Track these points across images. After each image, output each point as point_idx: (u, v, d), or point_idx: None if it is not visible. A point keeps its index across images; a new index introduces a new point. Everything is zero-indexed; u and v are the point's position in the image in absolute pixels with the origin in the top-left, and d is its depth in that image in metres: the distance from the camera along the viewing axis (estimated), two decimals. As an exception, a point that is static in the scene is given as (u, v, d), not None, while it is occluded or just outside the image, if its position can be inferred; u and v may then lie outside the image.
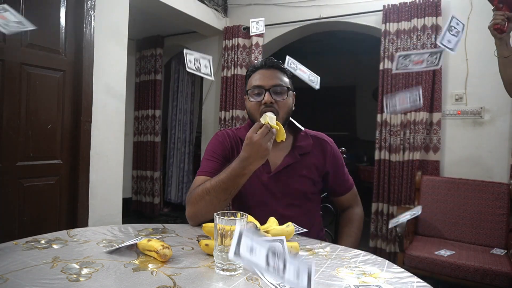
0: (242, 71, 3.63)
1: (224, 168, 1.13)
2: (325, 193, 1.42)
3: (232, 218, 0.78)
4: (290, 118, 1.27)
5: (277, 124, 1.01)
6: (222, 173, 1.07)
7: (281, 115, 1.17)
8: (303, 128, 1.29)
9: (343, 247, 1.00)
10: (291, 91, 1.23)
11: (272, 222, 1.03)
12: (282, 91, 1.18)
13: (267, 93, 1.16)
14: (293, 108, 1.26)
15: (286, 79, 1.22)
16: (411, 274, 0.79)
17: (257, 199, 1.22)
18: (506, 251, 2.28)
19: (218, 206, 1.04)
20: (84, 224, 2.27)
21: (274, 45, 3.78)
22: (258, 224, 0.91)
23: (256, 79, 1.20)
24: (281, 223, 1.03)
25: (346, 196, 1.35)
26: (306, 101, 5.47)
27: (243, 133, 1.24)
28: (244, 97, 1.25)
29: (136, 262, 0.80)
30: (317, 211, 1.34)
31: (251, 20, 1.77)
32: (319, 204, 1.36)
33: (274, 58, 1.25)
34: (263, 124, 0.99)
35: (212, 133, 3.98)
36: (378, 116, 3.04)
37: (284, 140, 1.05)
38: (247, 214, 0.81)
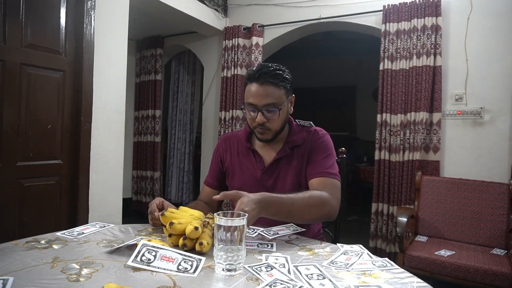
0: (242, 71, 3.63)
1: (219, 177, 1.37)
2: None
3: (231, 218, 0.78)
4: (297, 120, 1.33)
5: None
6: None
7: (273, 130, 1.21)
8: (313, 124, 1.33)
9: (343, 247, 0.98)
10: (285, 105, 1.20)
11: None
12: (274, 110, 1.18)
13: (259, 114, 1.17)
14: (291, 112, 1.28)
15: (280, 92, 1.18)
16: (411, 274, 0.79)
17: None
18: (506, 251, 2.28)
19: None
20: (84, 224, 2.27)
21: (274, 45, 3.78)
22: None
23: (250, 96, 1.18)
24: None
25: (312, 181, 1.20)
26: (306, 101, 5.50)
27: (242, 133, 1.35)
28: (242, 106, 1.26)
29: (136, 262, 0.80)
30: None
31: None
32: None
33: (270, 64, 1.20)
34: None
35: (212, 133, 3.98)
36: (378, 116, 3.04)
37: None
38: (246, 214, 0.82)
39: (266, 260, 0.83)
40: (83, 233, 1.02)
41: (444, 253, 2.21)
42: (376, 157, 3.05)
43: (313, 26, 3.48)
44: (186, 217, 0.94)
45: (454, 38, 2.82)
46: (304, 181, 1.25)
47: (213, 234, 0.85)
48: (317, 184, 1.19)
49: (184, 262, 0.78)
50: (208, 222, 0.92)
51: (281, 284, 0.69)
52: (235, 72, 3.63)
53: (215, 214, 0.79)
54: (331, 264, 0.84)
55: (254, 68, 1.20)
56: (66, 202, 2.26)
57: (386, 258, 0.88)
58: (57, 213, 2.22)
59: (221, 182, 1.37)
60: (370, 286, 0.72)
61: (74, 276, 0.71)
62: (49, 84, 2.14)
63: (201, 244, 0.85)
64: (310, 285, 0.71)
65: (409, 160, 2.87)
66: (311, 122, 1.34)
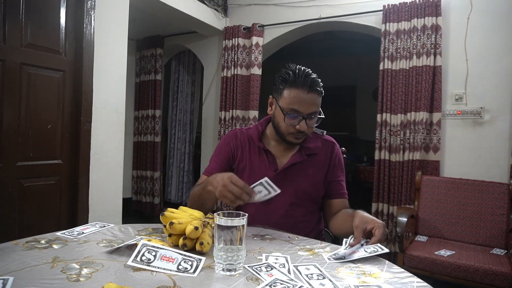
0: (242, 71, 3.63)
1: (225, 170, 1.27)
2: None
3: (231, 218, 0.78)
4: None
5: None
6: (200, 184, 1.17)
7: (306, 135, 1.22)
8: (324, 132, 1.34)
9: (342, 247, 0.98)
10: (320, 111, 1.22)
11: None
12: (315, 117, 1.18)
13: (303, 121, 1.15)
14: None
15: (320, 99, 1.19)
16: (411, 274, 0.79)
17: None
18: (506, 251, 2.28)
19: (203, 209, 1.07)
20: (84, 224, 2.27)
21: (274, 45, 3.78)
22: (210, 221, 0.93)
23: (295, 102, 1.14)
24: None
25: (338, 201, 1.30)
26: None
27: (253, 132, 1.31)
28: (271, 102, 1.24)
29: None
30: (319, 212, 1.34)
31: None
32: (321, 205, 1.35)
33: (309, 70, 1.18)
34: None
35: (212, 133, 3.98)
36: (378, 116, 3.04)
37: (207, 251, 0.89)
38: (246, 214, 0.81)
39: (266, 260, 0.83)
40: (83, 233, 1.02)
41: (444, 253, 2.21)
42: (376, 157, 3.05)
43: (313, 26, 3.48)
44: (186, 217, 0.94)
45: (454, 38, 2.82)
46: (316, 191, 1.27)
47: (213, 234, 0.85)
48: (343, 205, 1.29)
49: (184, 262, 0.78)
50: (208, 222, 0.92)
51: (281, 284, 0.69)
52: (235, 72, 3.63)
53: (215, 214, 0.79)
54: (333, 256, 0.89)
55: (294, 72, 1.15)
56: (66, 202, 2.26)
57: (378, 244, 0.92)
58: (57, 213, 2.22)
59: None
60: (370, 286, 0.72)
61: (74, 276, 0.71)
62: (49, 84, 2.14)
63: (201, 244, 0.85)
64: (310, 285, 0.71)
65: (409, 160, 2.87)
66: (324, 131, 1.34)
